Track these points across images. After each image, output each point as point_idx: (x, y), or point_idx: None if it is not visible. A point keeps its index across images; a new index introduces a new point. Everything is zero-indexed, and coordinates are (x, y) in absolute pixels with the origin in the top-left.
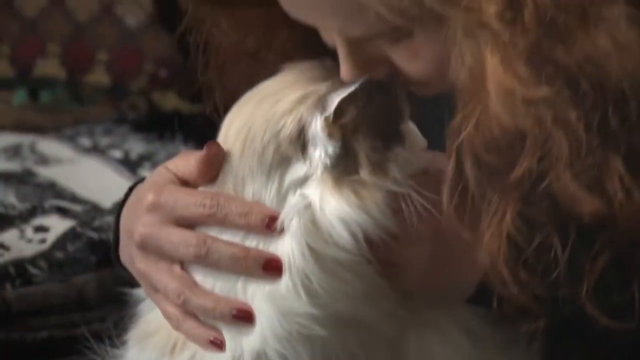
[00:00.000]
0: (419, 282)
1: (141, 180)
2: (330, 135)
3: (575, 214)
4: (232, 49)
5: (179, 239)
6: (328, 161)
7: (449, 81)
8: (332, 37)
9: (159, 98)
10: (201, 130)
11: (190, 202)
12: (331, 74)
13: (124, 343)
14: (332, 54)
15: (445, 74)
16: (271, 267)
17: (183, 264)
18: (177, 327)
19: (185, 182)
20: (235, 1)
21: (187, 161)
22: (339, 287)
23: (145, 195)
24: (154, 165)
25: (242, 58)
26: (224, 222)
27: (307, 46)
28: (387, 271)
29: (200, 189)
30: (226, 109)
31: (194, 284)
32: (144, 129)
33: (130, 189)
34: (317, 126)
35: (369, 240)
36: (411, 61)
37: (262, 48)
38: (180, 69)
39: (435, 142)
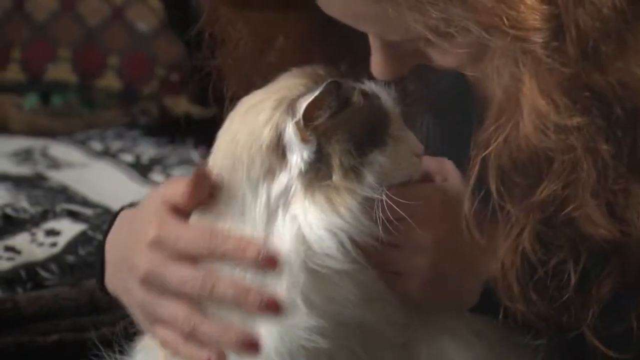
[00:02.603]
0: (422, 290)
1: (127, 206)
2: (303, 140)
3: (590, 239)
4: (248, 49)
5: (185, 277)
6: (302, 166)
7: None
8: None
9: (170, 102)
10: (212, 134)
11: (190, 238)
12: (320, 78)
13: (133, 347)
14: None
15: (472, 68)
16: (271, 306)
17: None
18: (175, 351)
19: (176, 208)
20: (253, 4)
21: (175, 186)
22: (337, 295)
23: (146, 228)
24: (165, 169)
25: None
26: (222, 259)
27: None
28: (389, 279)
29: (194, 216)
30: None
31: (201, 313)
32: (155, 134)
33: (116, 215)
34: (290, 131)
35: (360, 247)
36: (445, 56)
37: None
38: (191, 73)
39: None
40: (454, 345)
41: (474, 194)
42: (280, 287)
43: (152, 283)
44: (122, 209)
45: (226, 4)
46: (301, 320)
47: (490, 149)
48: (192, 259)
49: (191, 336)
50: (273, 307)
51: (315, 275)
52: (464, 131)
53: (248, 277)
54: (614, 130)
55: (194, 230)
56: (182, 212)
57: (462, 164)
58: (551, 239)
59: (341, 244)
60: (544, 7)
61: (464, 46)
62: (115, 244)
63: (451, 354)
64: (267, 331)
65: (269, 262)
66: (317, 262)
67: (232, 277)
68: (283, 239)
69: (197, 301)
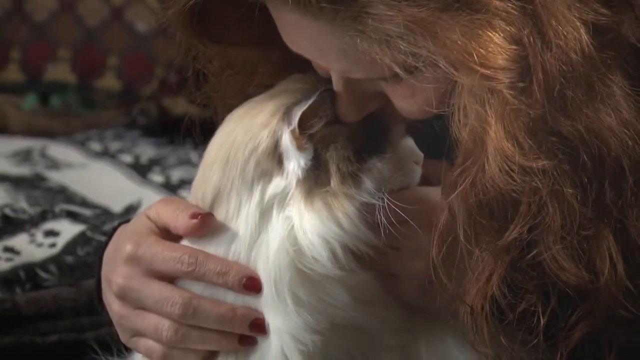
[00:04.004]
0: (418, 294)
1: (126, 220)
2: (299, 147)
3: (559, 283)
4: (227, 83)
5: (163, 296)
6: (300, 173)
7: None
8: (328, 71)
9: (169, 103)
10: (211, 134)
11: (169, 257)
12: (320, 85)
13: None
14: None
15: (437, 110)
16: (257, 327)
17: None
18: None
19: (165, 231)
20: (227, 40)
21: (171, 210)
22: (326, 296)
23: (124, 245)
24: (164, 169)
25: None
26: (201, 280)
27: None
28: (387, 282)
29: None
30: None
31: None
32: (154, 134)
33: (115, 229)
34: (286, 139)
35: (353, 254)
36: (406, 100)
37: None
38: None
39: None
40: (457, 344)
41: (442, 236)
42: (269, 285)
43: (126, 297)
44: (120, 224)
45: (202, 42)
46: (291, 317)
47: (457, 192)
48: (168, 277)
49: (177, 344)
50: (260, 326)
51: (303, 275)
52: (436, 151)
53: (229, 297)
54: (579, 175)
55: (173, 249)
56: (169, 234)
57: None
58: (520, 284)
59: (332, 252)
60: (512, 47)
61: (430, 82)
62: (104, 260)
63: (454, 354)
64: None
65: (252, 286)
66: (305, 264)
67: (214, 298)
68: (274, 237)
69: (177, 320)
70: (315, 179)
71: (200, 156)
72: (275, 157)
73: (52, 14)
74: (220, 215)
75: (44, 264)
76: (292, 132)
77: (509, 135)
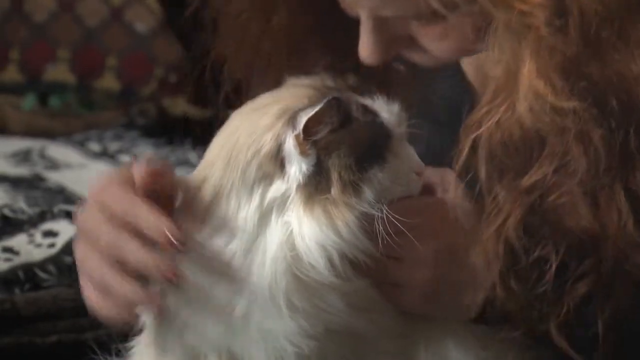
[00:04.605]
0: (421, 303)
1: None
2: (302, 153)
3: (571, 232)
4: (242, 30)
5: (103, 233)
6: (301, 178)
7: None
8: (357, 10)
9: (168, 103)
10: (210, 135)
11: (116, 200)
12: (326, 91)
13: (130, 348)
14: (340, 42)
15: (468, 54)
16: (170, 275)
17: None
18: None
19: (127, 178)
20: None
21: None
22: (322, 303)
23: (91, 190)
24: None
25: (247, 45)
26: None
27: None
28: (388, 290)
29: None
30: (234, 100)
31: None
32: (153, 134)
33: None
34: (290, 144)
35: (351, 262)
36: (438, 42)
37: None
38: (190, 73)
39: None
40: (457, 346)
41: (462, 176)
42: (263, 289)
43: (83, 236)
44: None
45: None
46: (285, 322)
47: (481, 130)
48: (118, 220)
49: (106, 293)
50: (172, 276)
51: (299, 281)
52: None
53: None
54: (607, 121)
55: (123, 196)
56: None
57: None
58: (536, 228)
59: (330, 259)
60: None
61: (466, 19)
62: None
63: (455, 355)
64: (255, 334)
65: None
66: (301, 270)
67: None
68: (272, 241)
69: (108, 256)
70: (316, 185)
71: (200, 157)
72: (278, 161)
73: (51, 14)
74: (218, 215)
75: (43, 265)
76: (297, 137)
77: (541, 73)
